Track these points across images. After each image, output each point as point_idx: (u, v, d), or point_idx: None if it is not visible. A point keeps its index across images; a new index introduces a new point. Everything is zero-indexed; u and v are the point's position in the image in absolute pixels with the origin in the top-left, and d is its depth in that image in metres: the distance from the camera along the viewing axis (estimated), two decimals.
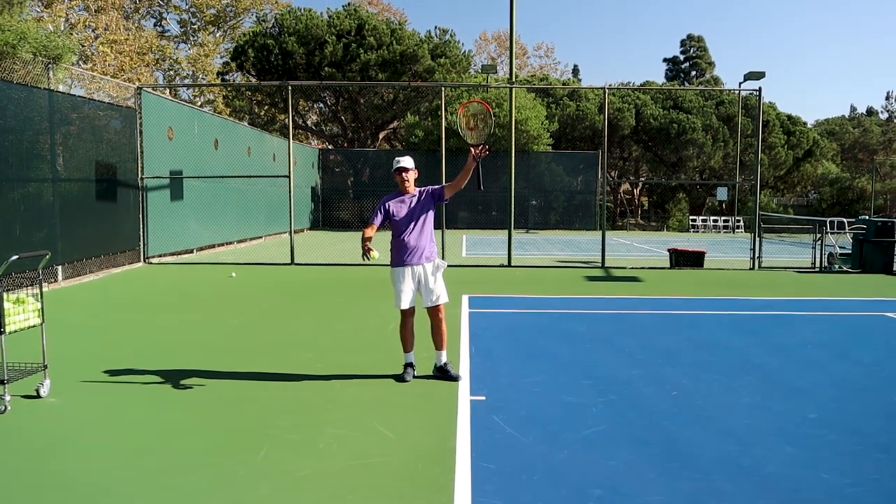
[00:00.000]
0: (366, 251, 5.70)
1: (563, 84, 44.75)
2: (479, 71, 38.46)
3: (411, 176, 5.93)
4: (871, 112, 59.55)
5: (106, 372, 6.04)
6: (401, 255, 5.86)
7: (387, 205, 5.91)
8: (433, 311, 5.94)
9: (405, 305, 5.85)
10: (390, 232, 5.99)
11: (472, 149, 5.74)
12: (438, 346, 5.97)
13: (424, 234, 5.89)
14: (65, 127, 11.99)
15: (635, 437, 4.60)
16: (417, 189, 5.98)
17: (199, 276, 13.09)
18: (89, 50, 32.83)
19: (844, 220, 16.82)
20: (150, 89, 15.44)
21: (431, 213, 5.96)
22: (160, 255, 15.46)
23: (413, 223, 5.85)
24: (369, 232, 5.80)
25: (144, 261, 14.79)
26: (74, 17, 32.74)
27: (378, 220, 5.89)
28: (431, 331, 5.97)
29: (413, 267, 5.84)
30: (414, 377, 5.91)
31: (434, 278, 5.89)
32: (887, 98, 58.78)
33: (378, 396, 5.44)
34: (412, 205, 5.89)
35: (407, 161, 5.94)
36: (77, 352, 6.85)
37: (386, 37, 31.53)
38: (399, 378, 5.87)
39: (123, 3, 37.34)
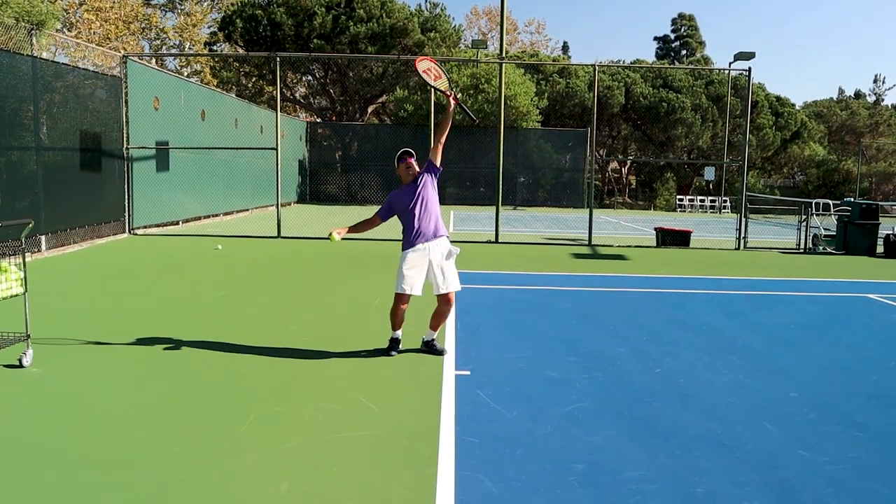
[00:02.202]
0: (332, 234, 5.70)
1: (553, 60, 44.54)
2: (470, 46, 38.20)
3: (415, 163, 5.85)
4: (858, 95, 59.68)
5: (89, 342, 6.01)
6: (412, 238, 5.74)
7: (392, 203, 5.84)
8: (445, 298, 5.82)
9: (411, 290, 5.68)
10: (402, 222, 5.86)
11: (449, 93, 5.86)
12: (435, 327, 5.95)
13: (431, 215, 5.77)
14: (48, 95, 11.83)
15: (618, 413, 4.64)
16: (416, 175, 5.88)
17: (185, 248, 13.02)
18: (74, 17, 32.33)
19: (830, 202, 16.94)
20: (135, 58, 15.24)
21: (435, 193, 5.86)
22: (145, 227, 15.36)
23: (419, 209, 5.75)
24: (363, 227, 5.85)
25: (129, 232, 14.68)
26: None
27: (382, 216, 5.89)
28: (435, 313, 5.89)
29: (427, 244, 5.72)
30: (399, 352, 5.91)
31: (448, 264, 5.80)
32: (875, 81, 59.07)
33: (363, 370, 5.45)
34: (415, 192, 5.76)
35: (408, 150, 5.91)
36: (60, 322, 6.81)
37: (376, 9, 31.20)
38: (384, 352, 5.88)
39: None
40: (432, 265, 5.74)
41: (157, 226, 16.01)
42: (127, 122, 14.52)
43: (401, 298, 5.78)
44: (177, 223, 17.22)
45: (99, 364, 5.44)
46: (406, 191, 5.81)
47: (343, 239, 5.73)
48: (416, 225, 5.73)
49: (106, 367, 5.36)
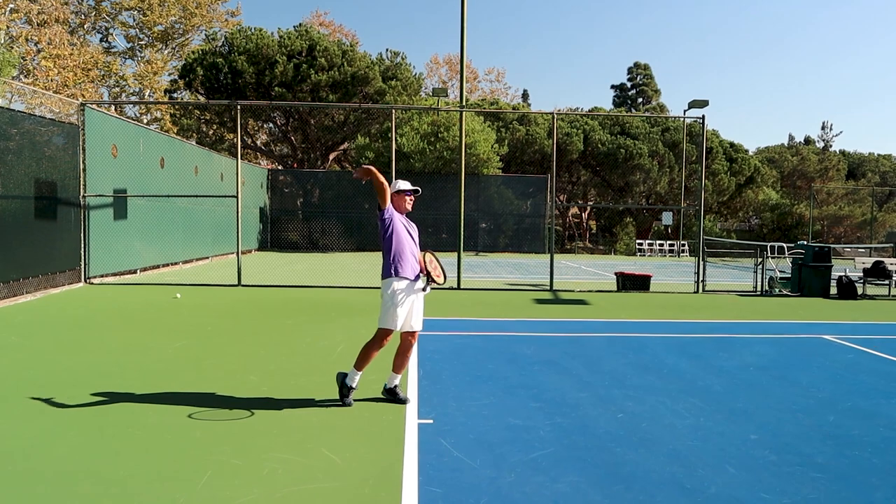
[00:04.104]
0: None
1: (513, 108, 45.32)
2: (430, 94, 38.72)
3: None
4: (808, 141, 61.72)
5: (41, 396, 5.84)
6: (400, 268, 5.75)
7: (394, 217, 5.83)
8: (410, 336, 5.88)
9: (401, 327, 5.73)
10: (389, 247, 5.80)
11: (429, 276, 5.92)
12: (398, 369, 5.91)
13: (417, 253, 5.94)
14: (3, 142, 11.66)
15: (582, 459, 4.64)
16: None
17: (143, 297, 12.79)
18: (31, 64, 32.09)
19: (784, 245, 17.33)
20: (94, 105, 15.14)
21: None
22: (102, 276, 15.07)
23: (414, 242, 5.91)
24: (383, 187, 5.68)
25: (85, 281, 14.40)
26: (16, 29, 31.99)
27: (389, 198, 5.79)
28: (399, 351, 5.89)
29: (414, 281, 5.79)
30: (359, 400, 5.83)
31: (420, 301, 5.87)
32: (823, 128, 61.11)
33: (324, 420, 5.37)
34: (410, 224, 5.96)
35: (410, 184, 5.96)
36: (11, 375, 6.61)
37: (337, 58, 31.54)
38: (344, 403, 5.74)
39: (68, 17, 36.65)
40: (413, 301, 5.80)
41: (114, 275, 15.73)
42: (84, 169, 14.35)
43: (386, 335, 5.73)
44: (134, 272, 16.94)
45: (51, 418, 5.28)
46: (403, 218, 5.92)
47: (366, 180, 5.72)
48: (408, 257, 5.79)
49: (58, 422, 5.20)
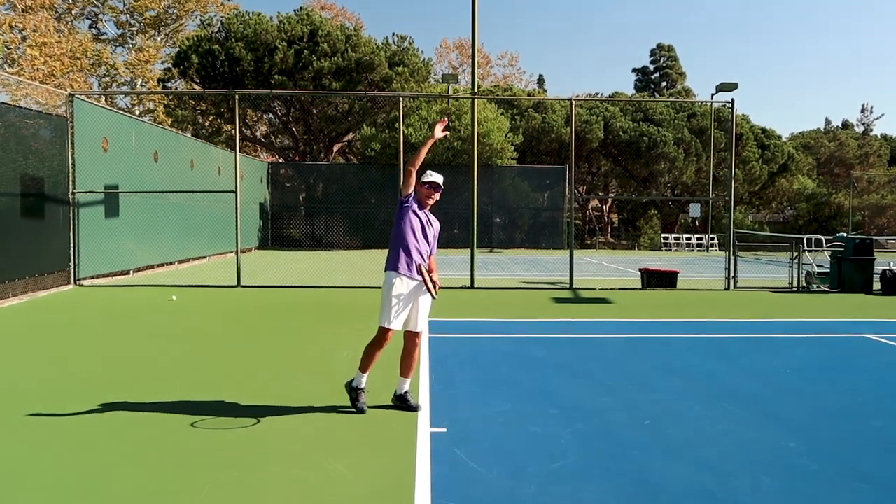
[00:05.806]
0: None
1: (528, 95, 45.25)
2: (440, 80, 38.68)
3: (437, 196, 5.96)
4: (846, 125, 61.30)
5: (28, 405, 5.86)
6: (406, 265, 5.74)
7: (413, 207, 5.83)
8: (414, 336, 5.88)
9: (399, 326, 5.73)
10: (395, 239, 5.82)
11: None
12: (406, 372, 5.91)
13: (428, 252, 5.92)
14: None
15: (606, 468, 4.61)
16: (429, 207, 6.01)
17: (136, 299, 12.85)
18: (15, 53, 32.27)
19: (822, 237, 17.21)
20: (83, 96, 15.21)
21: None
22: (93, 277, 15.16)
23: (427, 239, 5.88)
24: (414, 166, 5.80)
25: (75, 283, 14.48)
26: None
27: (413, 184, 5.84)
28: (404, 353, 5.89)
29: (417, 281, 5.76)
30: (369, 407, 5.82)
31: (425, 300, 5.86)
32: (863, 111, 60.72)
33: (331, 429, 5.37)
34: (428, 221, 5.93)
35: (441, 179, 5.93)
36: None
37: (340, 43, 31.56)
38: (354, 409, 5.76)
39: (55, 2, 36.85)
40: (415, 299, 5.80)
41: (106, 276, 15.81)
42: (73, 164, 14.43)
43: (385, 333, 5.72)
44: (127, 273, 17.02)
45: (39, 429, 5.30)
46: (423, 212, 5.90)
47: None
48: (413, 253, 5.76)
49: (46, 433, 5.22)
